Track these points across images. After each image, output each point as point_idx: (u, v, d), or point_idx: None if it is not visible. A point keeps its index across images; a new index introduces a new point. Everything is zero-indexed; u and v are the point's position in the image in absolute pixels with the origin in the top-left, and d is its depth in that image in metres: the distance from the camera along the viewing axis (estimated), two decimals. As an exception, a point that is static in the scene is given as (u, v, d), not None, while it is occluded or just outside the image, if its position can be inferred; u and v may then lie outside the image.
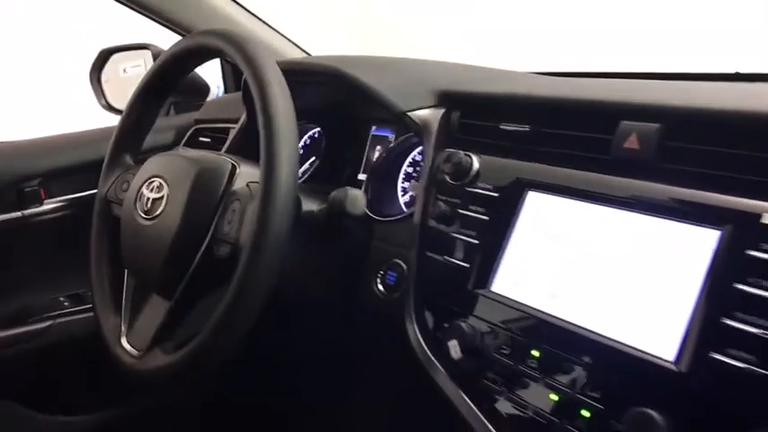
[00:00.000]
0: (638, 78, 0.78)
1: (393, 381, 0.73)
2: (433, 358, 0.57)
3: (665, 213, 0.47)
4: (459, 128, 0.66)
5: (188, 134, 1.05)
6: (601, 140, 0.52)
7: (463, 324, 0.54)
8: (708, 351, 0.40)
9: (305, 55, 1.20)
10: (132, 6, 0.97)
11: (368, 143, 0.88)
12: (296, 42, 1.20)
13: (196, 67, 0.72)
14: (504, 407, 0.51)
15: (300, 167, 0.93)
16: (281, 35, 1.17)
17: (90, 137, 1.02)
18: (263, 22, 1.13)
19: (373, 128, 0.88)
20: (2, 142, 1.00)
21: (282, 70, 0.60)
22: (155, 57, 1.09)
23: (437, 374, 0.56)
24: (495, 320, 0.54)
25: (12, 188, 0.93)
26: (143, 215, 0.64)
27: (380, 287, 0.68)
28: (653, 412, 0.41)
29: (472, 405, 0.53)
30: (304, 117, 0.95)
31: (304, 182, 0.90)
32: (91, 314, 0.79)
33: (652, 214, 0.47)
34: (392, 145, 0.82)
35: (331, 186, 0.70)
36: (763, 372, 0.38)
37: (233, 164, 0.64)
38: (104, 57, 1.22)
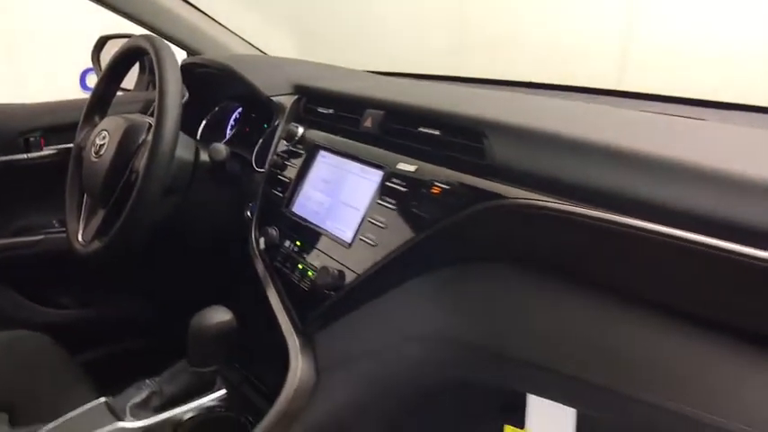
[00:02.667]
0: (437, 80, 1.10)
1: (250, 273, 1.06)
2: (257, 251, 0.91)
3: (376, 165, 0.79)
4: (304, 109, 0.99)
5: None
6: (355, 120, 0.85)
7: (270, 228, 0.88)
8: (363, 233, 0.73)
9: (258, 53, 1.54)
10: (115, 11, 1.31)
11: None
12: (251, 43, 1.54)
13: (138, 59, 1.06)
14: (283, 276, 0.84)
15: (226, 135, 1.27)
16: (238, 36, 1.51)
17: (79, 103, 1.37)
18: (222, 26, 1.47)
19: None
20: (15, 104, 1.37)
21: (194, 64, 0.94)
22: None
23: (258, 262, 0.90)
24: (288, 226, 0.87)
25: (19, 137, 1.29)
26: (93, 155, 0.99)
27: (248, 213, 1.01)
28: (334, 269, 0.74)
29: (268, 277, 0.86)
30: (233, 100, 1.29)
31: (226, 143, 1.24)
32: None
33: (373, 166, 0.80)
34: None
35: (243, 147, 1.04)
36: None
37: (150, 123, 0.98)
38: (102, 42, 1.57)
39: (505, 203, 0.61)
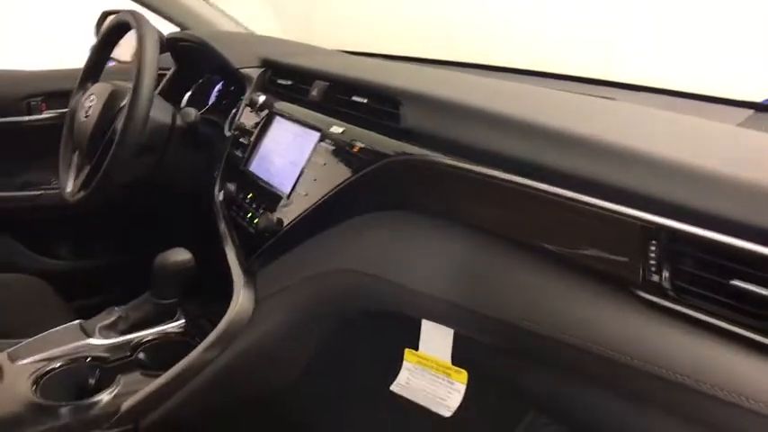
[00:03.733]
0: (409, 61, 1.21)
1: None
2: (216, 203, 1.03)
3: (315, 128, 0.90)
4: (271, 82, 1.11)
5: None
6: (306, 90, 0.97)
7: (229, 184, 1.00)
8: (298, 186, 0.85)
9: (243, 30, 1.66)
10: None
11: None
12: (237, 21, 1.66)
13: (124, 32, 1.19)
14: (236, 224, 0.97)
15: (206, 104, 1.39)
16: (225, 15, 1.63)
17: (77, 72, 1.51)
18: (210, 4, 1.59)
19: None
20: (20, 70, 1.50)
21: (176, 38, 1.06)
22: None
23: (217, 212, 1.02)
24: (244, 181, 0.99)
25: (22, 101, 1.43)
26: (83, 116, 1.12)
27: (218, 173, 1.13)
28: (274, 216, 0.86)
29: (223, 224, 0.99)
30: (216, 73, 1.41)
31: (206, 111, 1.36)
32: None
33: (313, 129, 0.91)
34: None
35: (219, 115, 1.17)
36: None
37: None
38: (104, 17, 1.70)
39: (406, 159, 0.72)
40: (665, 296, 0.52)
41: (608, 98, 0.91)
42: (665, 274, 0.52)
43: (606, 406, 0.57)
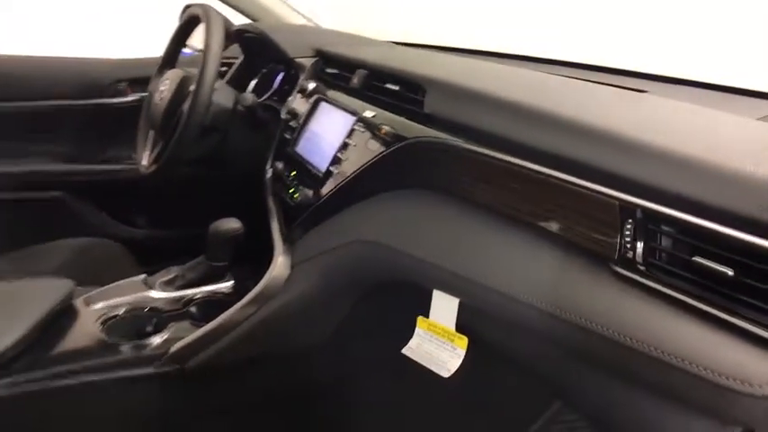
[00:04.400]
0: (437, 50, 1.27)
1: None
2: (266, 179, 1.14)
3: (351, 113, 0.98)
4: (322, 70, 1.21)
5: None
6: (349, 78, 1.05)
7: (277, 163, 1.11)
8: (332, 164, 0.94)
9: (307, 22, 1.77)
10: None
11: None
12: (303, 14, 1.77)
13: (197, 24, 1.31)
14: (280, 198, 1.07)
15: (269, 90, 1.50)
16: (292, 8, 1.74)
17: (157, 60, 1.67)
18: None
19: None
20: (111, 58, 1.68)
21: (242, 30, 1.18)
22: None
23: (265, 187, 1.13)
24: (290, 161, 1.09)
25: (111, 85, 1.61)
26: (158, 98, 1.26)
27: (270, 153, 1.24)
28: (310, 192, 0.95)
29: (270, 198, 1.09)
30: (276, 62, 1.52)
31: (268, 98, 1.48)
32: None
33: (349, 113, 0.99)
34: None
35: (279, 101, 1.28)
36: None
37: (199, 74, 1.23)
38: (186, 9, 1.87)
39: (424, 141, 0.79)
40: (637, 271, 0.56)
41: (639, 90, 0.93)
42: (639, 250, 0.56)
43: (573, 368, 0.61)
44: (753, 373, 0.46)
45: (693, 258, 0.52)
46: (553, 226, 0.64)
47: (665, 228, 0.55)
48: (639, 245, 0.56)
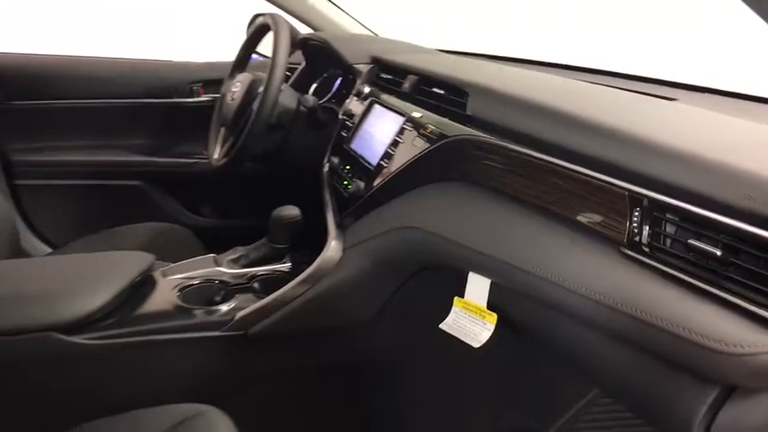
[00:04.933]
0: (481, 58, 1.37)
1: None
2: (323, 173, 1.26)
3: (401, 114, 1.09)
4: (377, 76, 1.32)
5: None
6: (401, 83, 1.16)
7: (333, 158, 1.23)
8: (382, 159, 1.05)
9: (368, 32, 1.89)
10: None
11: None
12: (363, 24, 1.90)
13: (267, 33, 1.46)
14: (335, 189, 1.19)
15: (329, 93, 1.63)
16: (353, 18, 1.87)
17: (229, 64, 1.83)
18: (341, 9, 1.84)
19: None
20: (188, 61, 1.86)
21: (307, 38, 1.32)
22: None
23: (323, 179, 1.25)
24: (345, 156, 1.21)
25: (186, 86, 1.78)
26: (229, 99, 1.41)
27: (328, 149, 1.37)
28: (361, 183, 1.06)
29: (326, 189, 1.21)
30: (336, 67, 1.65)
31: (327, 100, 1.60)
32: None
33: (400, 114, 1.10)
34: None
35: (337, 103, 1.41)
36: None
37: (267, 77, 1.37)
38: (255, 17, 2.03)
39: (464, 139, 0.89)
40: (642, 253, 0.65)
41: (669, 98, 1.01)
42: (645, 234, 0.65)
43: (585, 335, 0.70)
44: (731, 336, 0.54)
45: (689, 241, 0.60)
46: (572, 214, 0.73)
47: (667, 215, 0.63)
48: (645, 229, 0.64)
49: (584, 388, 1.14)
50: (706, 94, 1.06)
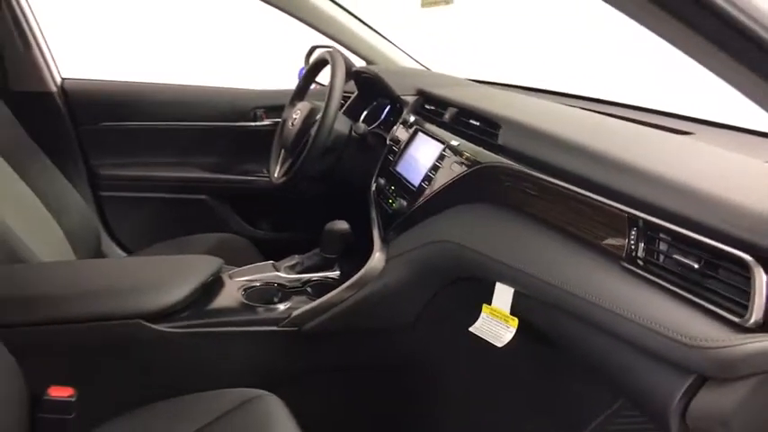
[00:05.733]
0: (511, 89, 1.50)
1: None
2: (371, 192, 1.42)
3: (441, 141, 1.23)
4: (421, 106, 1.48)
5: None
6: (442, 113, 1.31)
7: (380, 179, 1.38)
8: (423, 181, 1.20)
9: (420, 66, 2.05)
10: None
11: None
12: (414, 58, 2.06)
13: (325, 66, 1.63)
14: (381, 207, 1.34)
15: (378, 121, 1.79)
16: (405, 53, 2.03)
17: (290, 92, 2.02)
18: (393, 44, 2.01)
19: None
20: (251, 89, 2.06)
21: (360, 71, 1.49)
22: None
23: (370, 198, 1.41)
24: (390, 177, 1.36)
25: (250, 111, 1.98)
26: (290, 124, 1.59)
27: (376, 171, 1.52)
28: (404, 202, 1.21)
29: (373, 206, 1.36)
30: (385, 98, 1.81)
31: (376, 127, 1.76)
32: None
33: (440, 141, 1.24)
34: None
35: (385, 130, 1.57)
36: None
37: (323, 108, 1.54)
38: (312, 50, 2.21)
39: (494, 166, 1.03)
40: (638, 266, 0.76)
41: (686, 132, 1.12)
42: (641, 251, 0.76)
43: (592, 338, 0.82)
44: (703, 333, 0.65)
45: (674, 256, 0.72)
46: (583, 232, 0.85)
47: (660, 235, 0.75)
48: (641, 246, 0.76)
49: (610, 399, 1.24)
50: (723, 130, 1.16)
